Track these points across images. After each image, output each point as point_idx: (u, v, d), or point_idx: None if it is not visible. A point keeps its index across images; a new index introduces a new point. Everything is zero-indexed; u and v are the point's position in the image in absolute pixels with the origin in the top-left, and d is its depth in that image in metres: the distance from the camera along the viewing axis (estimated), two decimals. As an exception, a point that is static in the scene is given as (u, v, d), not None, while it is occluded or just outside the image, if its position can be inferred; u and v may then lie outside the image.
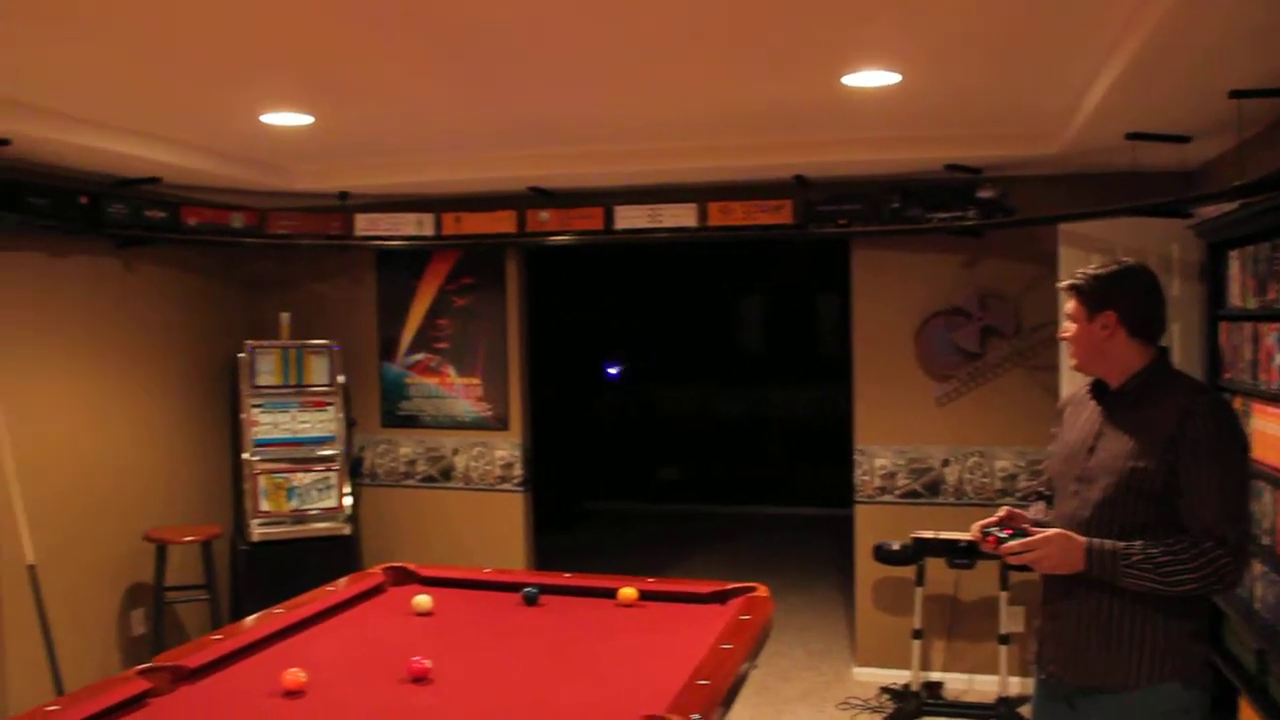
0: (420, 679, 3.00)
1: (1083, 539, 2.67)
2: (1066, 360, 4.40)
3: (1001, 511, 2.85)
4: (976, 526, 2.84)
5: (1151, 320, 2.80)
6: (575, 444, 11.36)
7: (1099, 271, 2.81)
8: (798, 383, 11.60)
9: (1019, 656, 5.79)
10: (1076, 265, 2.94)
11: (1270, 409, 3.61)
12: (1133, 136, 4.50)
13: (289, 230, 6.39)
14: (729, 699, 2.85)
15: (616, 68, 3.99)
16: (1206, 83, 3.63)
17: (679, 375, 11.95)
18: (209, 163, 5.48)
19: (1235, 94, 3.69)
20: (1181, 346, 4.83)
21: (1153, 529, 2.65)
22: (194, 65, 3.90)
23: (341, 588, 3.93)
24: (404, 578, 4.12)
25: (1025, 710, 5.40)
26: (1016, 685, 5.69)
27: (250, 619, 3.55)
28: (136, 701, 2.82)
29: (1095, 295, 2.79)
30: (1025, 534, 2.74)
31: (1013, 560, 2.75)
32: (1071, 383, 4.50)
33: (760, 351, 12.02)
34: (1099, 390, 2.89)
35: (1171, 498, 2.63)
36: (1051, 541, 2.68)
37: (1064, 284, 2.91)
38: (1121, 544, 2.63)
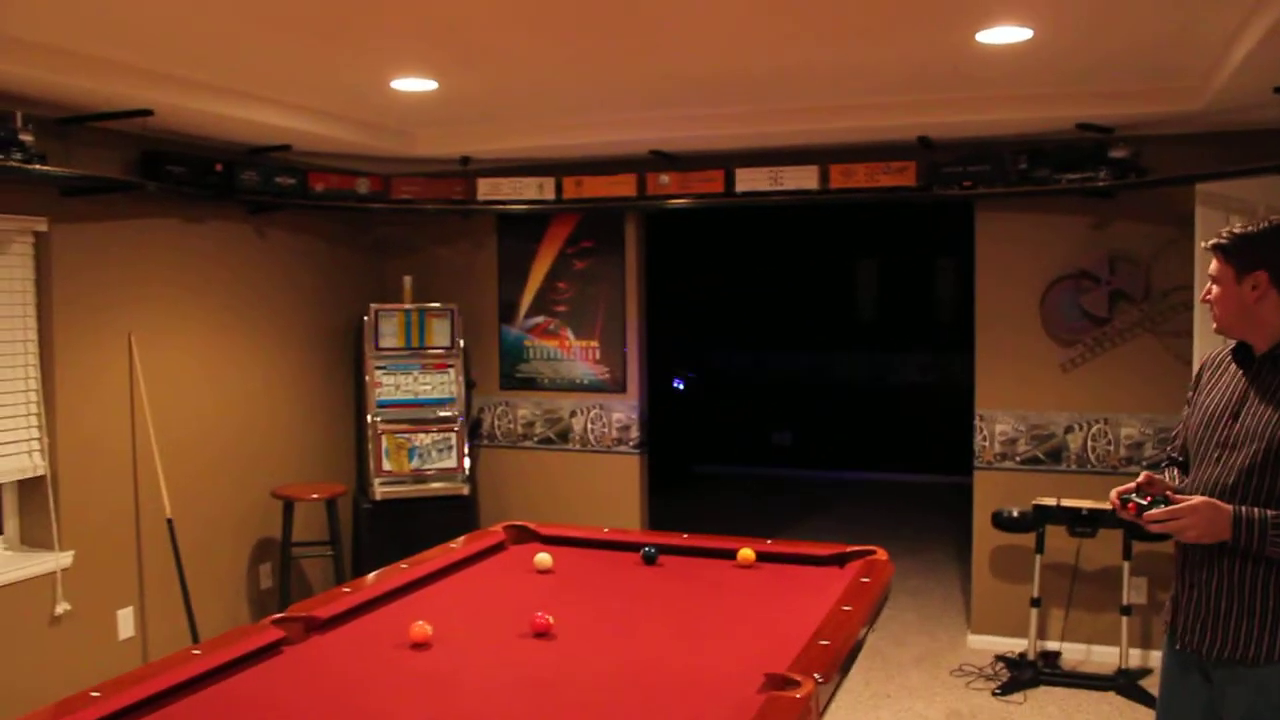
0: (542, 634, 3.04)
1: (1229, 507, 2.58)
2: (1206, 324, 4.25)
3: (1140, 477, 2.76)
4: (1115, 493, 2.76)
5: None
6: (689, 407, 11.37)
7: (1248, 231, 2.70)
8: (914, 348, 11.42)
9: (1140, 628, 5.65)
10: (1214, 227, 2.83)
11: None
12: (1281, 90, 4.30)
13: (412, 195, 6.50)
14: (849, 661, 2.83)
15: (742, 23, 3.94)
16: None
17: (794, 340, 11.86)
18: (337, 129, 5.60)
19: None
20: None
21: (1301, 498, 2.55)
22: (325, 32, 3.98)
23: (463, 545, 4.00)
24: (524, 536, 4.18)
25: (1145, 683, 5.29)
26: (1137, 657, 5.57)
27: (375, 574, 3.64)
28: (272, 649, 2.92)
29: (1245, 255, 2.68)
30: (1167, 501, 2.65)
31: (1154, 529, 2.66)
32: (1204, 350, 4.35)
33: (876, 316, 11.86)
34: (1242, 354, 2.78)
35: None
36: (1198, 510, 2.59)
37: (1209, 244, 2.80)
38: (1271, 512, 2.54)
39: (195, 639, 5.26)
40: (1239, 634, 2.65)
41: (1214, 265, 2.76)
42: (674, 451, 10.42)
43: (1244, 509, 2.57)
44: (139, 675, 2.61)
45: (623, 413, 6.76)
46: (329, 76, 4.73)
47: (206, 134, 5.46)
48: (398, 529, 6.29)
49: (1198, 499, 2.61)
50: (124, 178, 5.14)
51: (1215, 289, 2.76)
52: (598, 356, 6.80)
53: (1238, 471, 2.65)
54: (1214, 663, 2.72)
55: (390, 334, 6.63)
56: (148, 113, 4.73)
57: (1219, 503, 2.60)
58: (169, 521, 5.33)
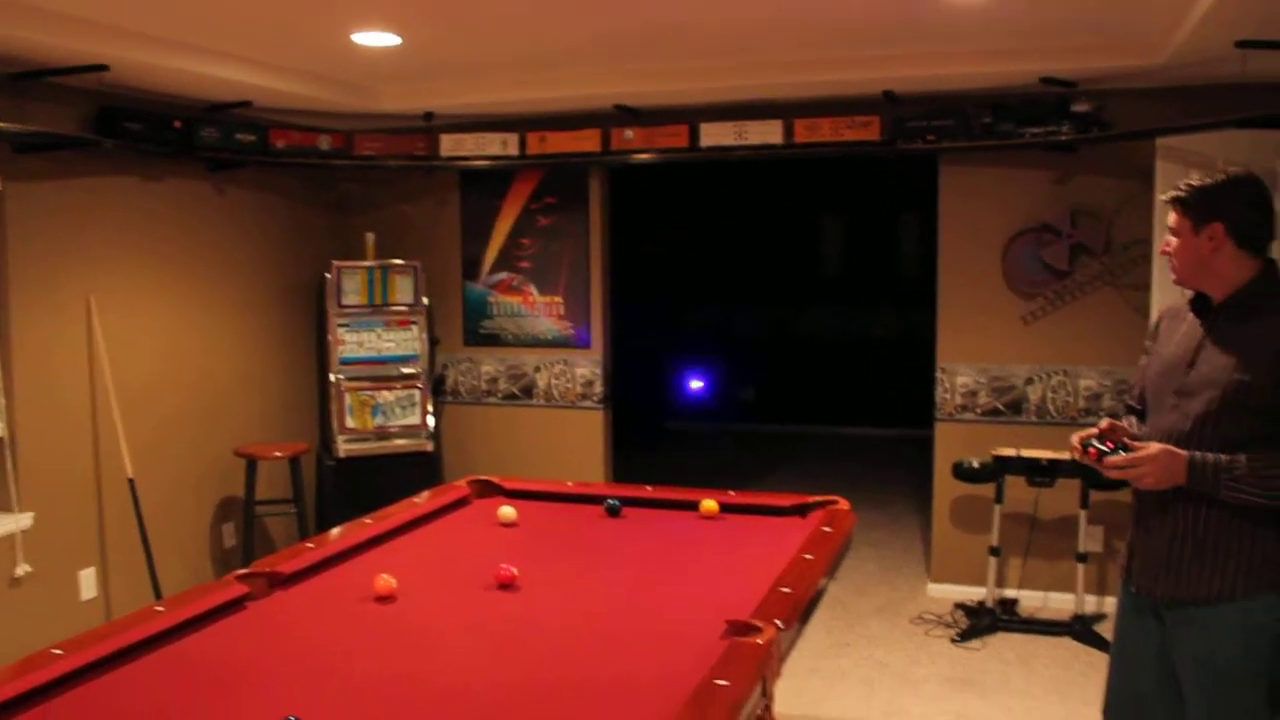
0: (507, 586, 3.07)
1: (1184, 453, 2.63)
2: (1165, 277, 4.30)
3: (1102, 424, 2.81)
4: (1076, 438, 2.80)
5: (1260, 231, 2.71)
6: (654, 362, 11.39)
7: (1204, 183, 2.73)
8: (878, 303, 11.48)
9: (1096, 575, 5.76)
10: (1174, 181, 2.85)
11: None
12: (1243, 44, 4.30)
13: (375, 152, 6.44)
14: (810, 608, 2.88)
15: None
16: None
17: (759, 295, 11.88)
18: (298, 85, 5.53)
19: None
20: (1281, 265, 4.69)
21: (1255, 443, 2.60)
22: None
23: (427, 500, 4.01)
24: (488, 490, 4.20)
25: (1100, 628, 5.39)
26: (1093, 603, 5.68)
27: (339, 529, 3.65)
28: (236, 604, 2.92)
29: (1201, 207, 2.71)
30: (1127, 448, 2.70)
31: (1113, 475, 2.72)
32: (1162, 302, 4.40)
33: (842, 272, 11.89)
34: (1200, 304, 2.82)
35: (1276, 411, 2.58)
36: (1156, 457, 2.64)
37: (1167, 196, 2.83)
38: (1225, 457, 2.60)
39: (158, 599, 5.24)
40: (1191, 576, 2.71)
41: (1172, 218, 2.80)
42: (644, 408, 10.44)
43: (1199, 454, 2.62)
44: (101, 633, 2.61)
45: (587, 368, 6.77)
46: (289, 30, 4.66)
47: (164, 90, 5.37)
48: (362, 486, 6.28)
49: (1156, 447, 2.66)
50: (80, 135, 5.06)
51: (1174, 241, 2.80)
52: (562, 312, 6.79)
53: (1193, 418, 2.70)
54: (1166, 604, 2.78)
55: (353, 291, 6.58)
56: (103, 68, 4.65)
57: (1175, 450, 2.65)
58: (130, 481, 5.30)
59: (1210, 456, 2.61)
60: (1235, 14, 3.89)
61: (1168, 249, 2.82)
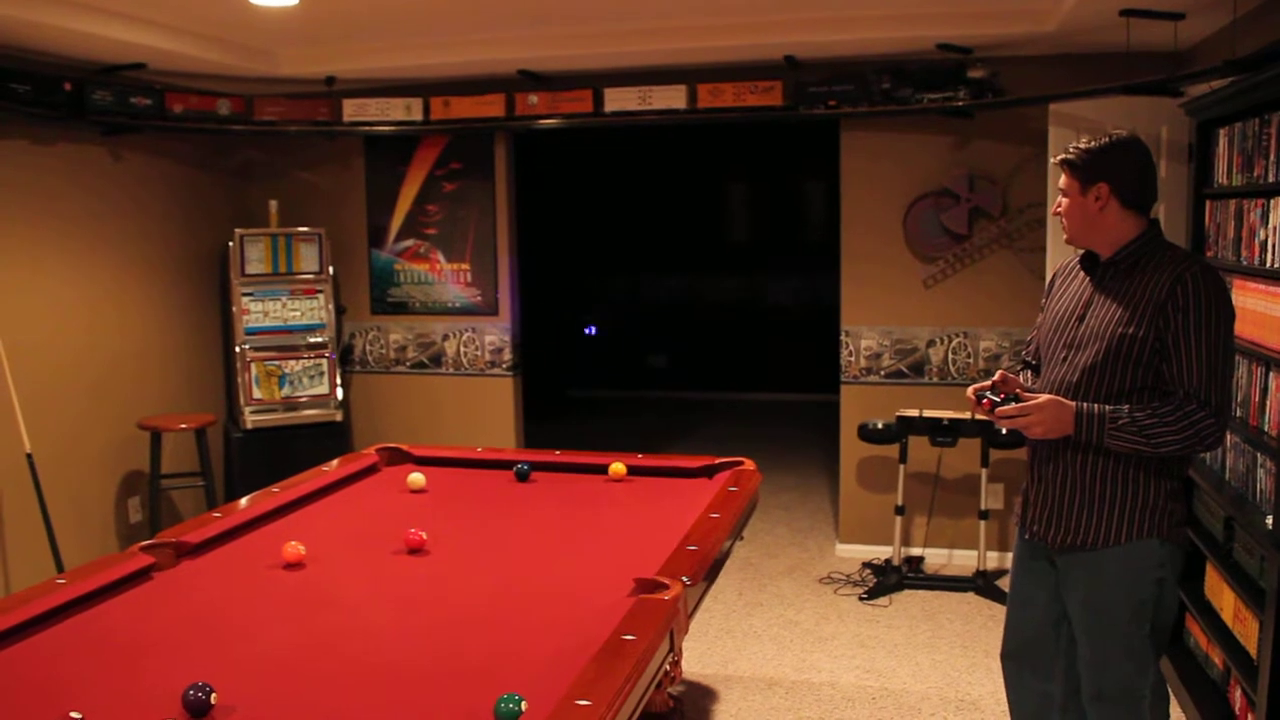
0: (416, 550, 3.08)
1: (1072, 404, 2.75)
2: (1058, 238, 4.43)
3: (996, 376, 2.92)
4: (971, 390, 2.91)
5: (1144, 191, 2.83)
6: (563, 331, 11.40)
7: (1091, 145, 2.83)
8: (786, 270, 11.60)
9: (997, 531, 5.93)
10: (1066, 145, 2.96)
11: (1251, 284, 3.65)
12: (1127, 13, 4.44)
13: (276, 117, 6.32)
14: (718, 565, 2.94)
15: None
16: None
17: (667, 262, 11.93)
18: (194, 47, 5.39)
19: (1230, -33, 3.65)
20: (1168, 226, 4.84)
21: (1139, 394, 2.74)
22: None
23: (335, 468, 3.99)
24: (397, 457, 4.20)
25: (1002, 583, 5.56)
26: (995, 559, 5.85)
27: (247, 498, 3.62)
28: (141, 575, 2.89)
29: (1088, 168, 2.82)
30: (1018, 399, 2.81)
31: (1004, 425, 2.83)
32: (1056, 263, 4.53)
33: (748, 238, 11.99)
34: (1089, 261, 2.94)
35: (1158, 364, 2.71)
36: (1044, 407, 2.75)
37: (1057, 159, 2.94)
38: (1109, 407, 2.72)
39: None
40: (1080, 522, 2.84)
41: (1062, 179, 2.91)
42: (550, 376, 10.46)
43: (1085, 405, 2.74)
44: (1, 606, 2.56)
45: (495, 335, 6.76)
46: (182, -10, 4.55)
47: (53, 50, 5.20)
48: (270, 457, 6.21)
49: (1045, 397, 2.77)
50: (-38, 96, 4.90)
51: (1064, 201, 2.90)
52: (469, 279, 6.76)
53: (1081, 370, 2.81)
54: (1059, 550, 2.91)
55: (256, 260, 6.48)
56: (-15, 26, 4.51)
57: (1064, 400, 2.76)
58: (28, 456, 5.17)
59: (1096, 407, 2.72)
60: (1119, -18, 4.02)
61: (1059, 209, 2.93)
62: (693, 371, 11.81)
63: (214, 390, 6.72)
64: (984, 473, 5.71)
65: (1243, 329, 3.61)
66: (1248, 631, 3.57)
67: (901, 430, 5.74)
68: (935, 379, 6.06)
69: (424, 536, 3.10)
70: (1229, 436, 3.83)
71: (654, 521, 3.31)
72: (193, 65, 5.66)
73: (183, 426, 5.89)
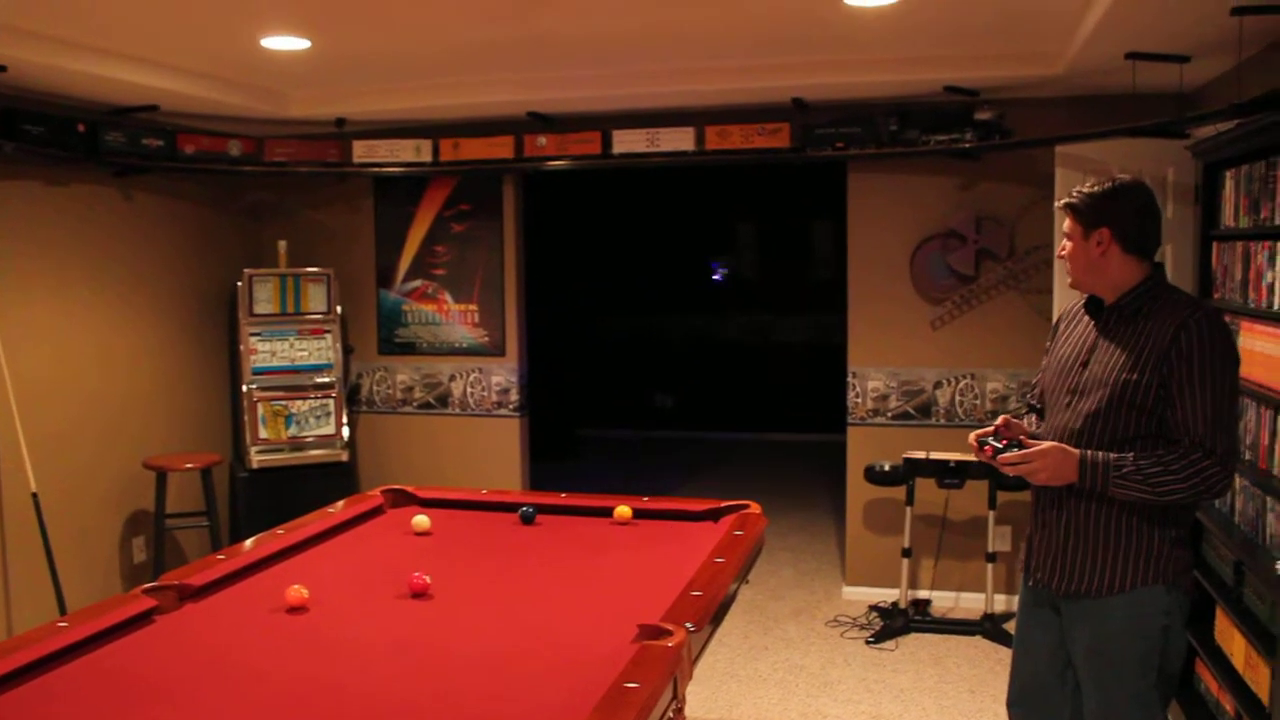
0: (420, 594, 3.06)
1: (1076, 451, 2.73)
2: (1062, 279, 4.43)
3: (998, 421, 2.91)
4: (973, 436, 2.90)
5: (1146, 236, 2.83)
6: (572, 371, 11.40)
7: (1094, 189, 2.84)
8: (793, 310, 11.62)
9: (1005, 574, 5.89)
10: (1072, 187, 2.97)
11: (1259, 327, 3.64)
12: (1133, 56, 4.47)
13: (286, 158, 6.37)
14: (722, 610, 2.91)
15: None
16: (1209, -1, 3.61)
17: (675, 302, 11.95)
18: (206, 89, 5.45)
19: (1237, 10, 3.64)
20: (1174, 267, 4.86)
21: (1143, 441, 2.72)
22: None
23: (341, 510, 3.98)
24: (402, 499, 4.18)
25: (1010, 626, 5.50)
26: (1002, 602, 5.80)
27: (251, 540, 3.60)
28: (143, 618, 2.87)
29: (1090, 212, 2.82)
30: (1021, 445, 2.79)
31: (1007, 471, 2.81)
32: (1062, 305, 4.52)
33: (757, 278, 12.02)
34: (1094, 306, 2.93)
35: (1162, 410, 2.69)
36: (1047, 454, 2.73)
37: (1061, 203, 2.95)
38: (1114, 455, 2.70)
39: (64, 614, 5.12)
40: (1084, 569, 2.81)
41: (1066, 223, 2.91)
42: (557, 415, 10.44)
43: (1089, 453, 2.72)
44: (2, 649, 2.55)
45: (502, 376, 6.76)
46: (196, 33, 4.59)
47: (67, 92, 5.26)
48: (276, 497, 6.20)
49: (1048, 444, 2.76)
50: (-23, 137, 4.94)
51: (1068, 245, 2.91)
52: (476, 320, 6.77)
53: (1085, 417, 2.80)
54: (1063, 597, 2.88)
55: (265, 300, 6.51)
56: (0, 69, 4.55)
57: (1068, 447, 2.74)
58: (34, 496, 5.17)
59: (1100, 455, 2.70)
60: (1123, 27, 4.04)
61: (1063, 253, 2.93)
62: (700, 411, 11.80)
63: (220, 430, 6.73)
64: (991, 515, 5.67)
65: (1251, 372, 3.60)
66: (1259, 678, 3.53)
67: (908, 472, 5.72)
68: (942, 421, 6.04)
69: (427, 580, 3.08)
70: (1238, 480, 3.81)
71: (659, 566, 3.29)
72: (204, 107, 5.72)
73: (188, 466, 5.89)
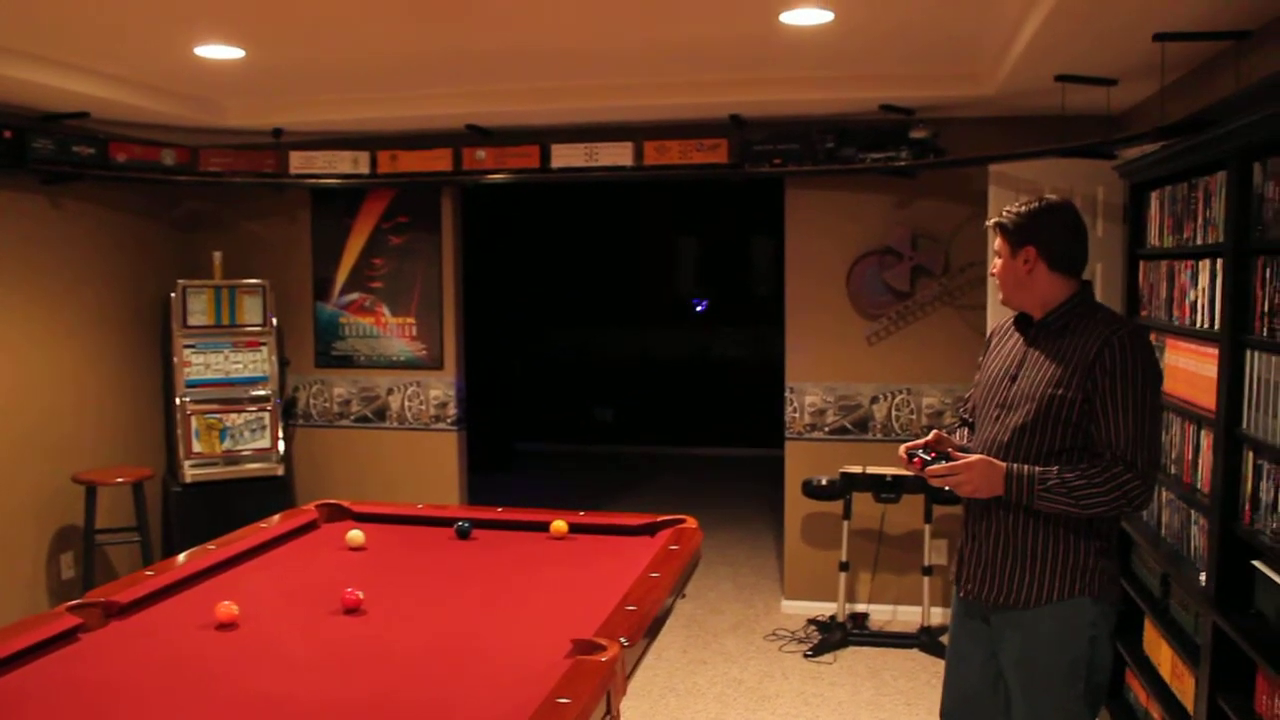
0: (353, 610, 3.03)
1: (1003, 464, 2.78)
2: (995, 296, 4.50)
3: (929, 435, 2.95)
4: (904, 449, 2.94)
5: (1072, 255, 2.88)
6: (510, 385, 11.37)
7: (1022, 209, 2.90)
8: (732, 325, 11.68)
9: (941, 587, 5.95)
10: (1005, 205, 3.03)
11: (1183, 344, 3.72)
12: (1062, 78, 4.56)
13: (221, 168, 6.29)
14: (657, 625, 2.91)
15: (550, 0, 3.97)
16: (1133, 25, 3.69)
17: (614, 316, 11.97)
18: (139, 97, 5.37)
19: (1159, 36, 3.75)
20: (1104, 285, 4.96)
21: (1068, 454, 2.77)
22: (118, -6, 3.82)
23: (274, 524, 3.93)
24: (337, 514, 4.14)
25: (946, 639, 5.57)
26: (939, 615, 5.86)
27: (182, 555, 3.55)
28: (66, 636, 2.82)
29: (1017, 231, 2.88)
30: (950, 458, 2.84)
31: (935, 483, 2.85)
32: (996, 321, 4.60)
33: (695, 293, 12.07)
34: (1023, 322, 2.99)
35: (1087, 424, 2.74)
36: (974, 467, 2.78)
37: (990, 222, 3.01)
38: (1039, 468, 2.75)
39: (-11, 632, 5.00)
40: (1013, 581, 2.86)
41: (996, 241, 2.97)
42: (496, 429, 10.41)
43: (1015, 466, 2.77)
44: (-85, 669, 2.48)
45: (440, 390, 6.72)
46: (127, 40, 4.52)
47: (-8, 98, 5.17)
48: (210, 512, 6.11)
49: (975, 457, 2.81)
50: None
51: (998, 263, 2.97)
52: (414, 333, 6.73)
53: (1012, 430, 2.85)
54: (993, 608, 2.93)
55: (199, 311, 6.42)
56: (-81, 72, 4.47)
57: (994, 460, 2.79)
58: (-43, 510, 5.06)
59: (1026, 468, 2.75)
60: (1051, 51, 4.12)
61: (994, 270, 2.99)
62: (640, 425, 11.81)
63: (153, 443, 6.62)
64: (927, 529, 5.74)
65: (1175, 388, 3.68)
66: (1185, 688, 3.60)
67: (845, 486, 5.77)
68: (879, 435, 6.10)
69: (360, 596, 3.05)
70: (1164, 494, 3.89)
71: (594, 581, 3.28)
72: (137, 115, 5.63)
73: (119, 480, 5.80)
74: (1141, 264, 4.39)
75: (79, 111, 5.48)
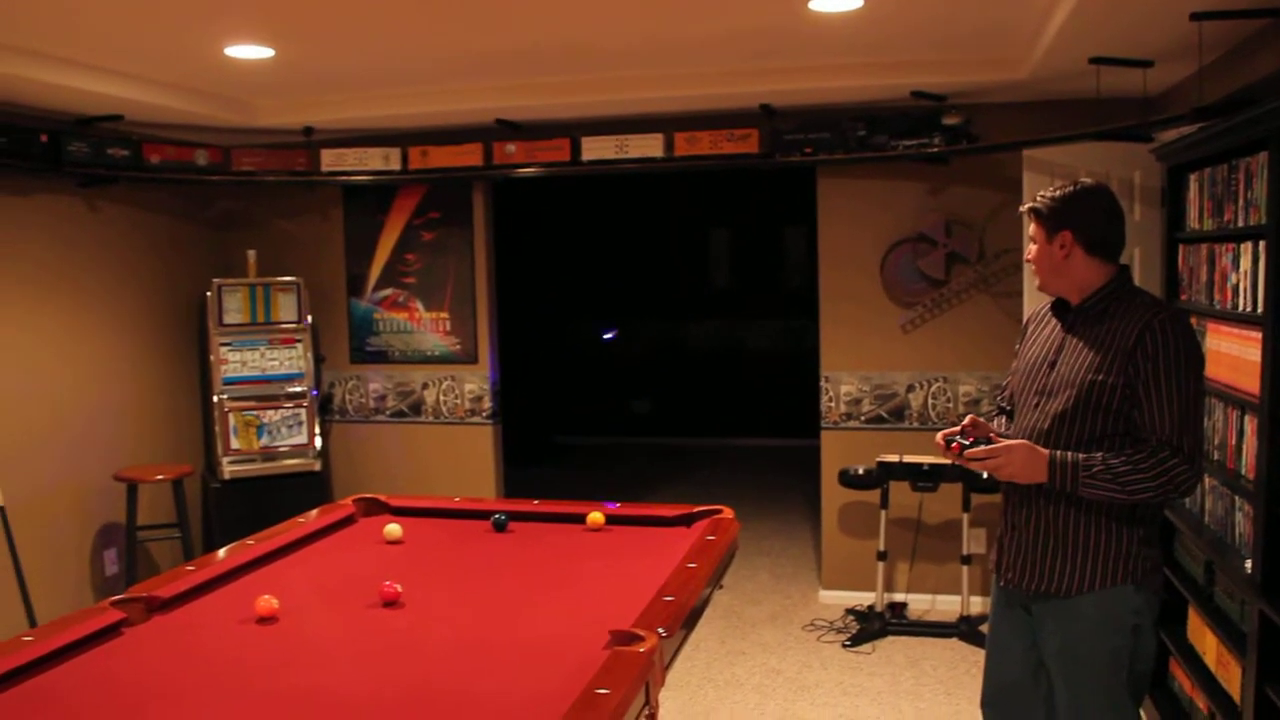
0: (391, 603, 3.04)
1: (1045, 451, 2.75)
2: (1031, 282, 4.46)
3: (966, 420, 2.93)
4: (941, 435, 2.91)
5: (1108, 239, 2.85)
6: (546, 378, 11.39)
7: (1057, 193, 2.87)
8: (767, 314, 11.63)
9: (980, 576, 5.91)
10: (1039, 191, 2.99)
11: (1224, 328, 3.67)
12: (1096, 61, 4.50)
13: (254, 167, 6.33)
14: (695, 615, 2.91)
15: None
16: (1169, 4, 3.63)
17: (650, 308, 11.95)
18: (171, 98, 5.41)
19: (1197, 15, 3.69)
20: (1142, 270, 4.90)
21: (1109, 440, 2.74)
22: (151, -5, 3.84)
23: (312, 519, 3.95)
24: (374, 508, 4.16)
25: (985, 628, 5.53)
26: (978, 604, 5.82)
27: (222, 551, 3.58)
28: (110, 631, 2.85)
29: (1052, 216, 2.85)
30: (989, 442, 2.81)
31: (973, 467, 2.83)
32: (1032, 308, 4.55)
33: (730, 283, 12.03)
34: (1060, 308, 2.95)
35: (1128, 410, 2.71)
36: (1014, 450, 2.75)
37: (1025, 207, 2.97)
38: (1082, 455, 2.71)
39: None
40: (1054, 570, 2.83)
41: (1031, 227, 2.94)
42: (532, 422, 10.43)
43: (1059, 453, 2.74)
44: (-35, 664, 2.52)
45: (475, 383, 6.74)
46: (158, 42, 4.56)
47: (28, 102, 5.21)
48: (249, 508, 6.17)
49: (1016, 441, 2.78)
50: (-62, 148, 4.90)
51: (1033, 248, 2.93)
52: (448, 327, 6.76)
53: (1052, 417, 2.82)
54: (1033, 597, 2.90)
55: (235, 309, 6.47)
56: (-42, 78, 4.52)
57: (1037, 447, 2.76)
58: (0, 509, 5.12)
59: (1069, 455, 2.72)
60: (1085, 33, 4.06)
61: (1029, 256, 2.95)
62: (675, 417, 11.79)
63: (192, 441, 6.68)
64: (965, 517, 5.70)
65: (1217, 372, 3.63)
66: (1230, 676, 3.55)
67: (882, 476, 5.74)
68: (915, 424, 6.06)
69: (399, 589, 3.06)
70: (1207, 480, 3.84)
71: (631, 572, 3.28)
72: (170, 116, 5.68)
73: (159, 478, 5.85)
74: (1181, 247, 4.33)
75: (113, 114, 5.54)
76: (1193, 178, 4.16)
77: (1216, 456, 3.75)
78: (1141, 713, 2.89)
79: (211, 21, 4.24)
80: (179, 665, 2.65)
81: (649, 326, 12.03)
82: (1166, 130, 4.50)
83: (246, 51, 4.68)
